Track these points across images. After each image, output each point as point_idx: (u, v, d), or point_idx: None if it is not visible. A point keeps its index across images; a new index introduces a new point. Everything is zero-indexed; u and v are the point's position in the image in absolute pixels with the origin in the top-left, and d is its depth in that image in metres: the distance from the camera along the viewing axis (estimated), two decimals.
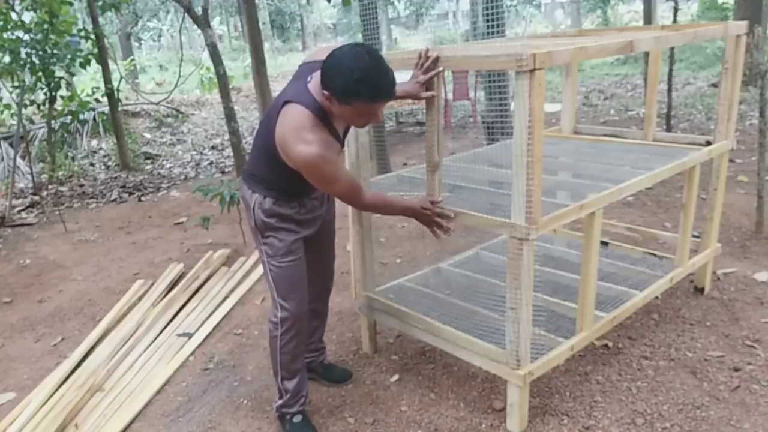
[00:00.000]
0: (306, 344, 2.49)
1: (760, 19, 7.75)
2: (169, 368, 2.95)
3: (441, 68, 2.14)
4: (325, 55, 1.90)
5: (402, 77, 2.20)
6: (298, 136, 1.88)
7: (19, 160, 6.93)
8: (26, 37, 6.30)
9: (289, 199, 2.15)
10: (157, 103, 10.10)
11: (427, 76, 2.14)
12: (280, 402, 2.40)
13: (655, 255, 3.17)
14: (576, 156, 3.08)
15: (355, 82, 1.81)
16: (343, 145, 2.11)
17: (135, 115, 10.23)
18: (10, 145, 7.18)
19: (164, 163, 7.96)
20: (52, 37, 6.34)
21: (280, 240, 2.16)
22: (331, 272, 2.58)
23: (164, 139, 9.28)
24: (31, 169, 6.81)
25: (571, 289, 2.85)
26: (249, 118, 10.46)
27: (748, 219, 4.03)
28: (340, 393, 2.64)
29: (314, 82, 1.95)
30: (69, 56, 6.60)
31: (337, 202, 2.33)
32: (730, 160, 4.92)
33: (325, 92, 1.88)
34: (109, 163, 7.93)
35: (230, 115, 5.88)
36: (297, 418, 2.39)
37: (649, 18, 9.15)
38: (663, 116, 6.25)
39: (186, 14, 5.89)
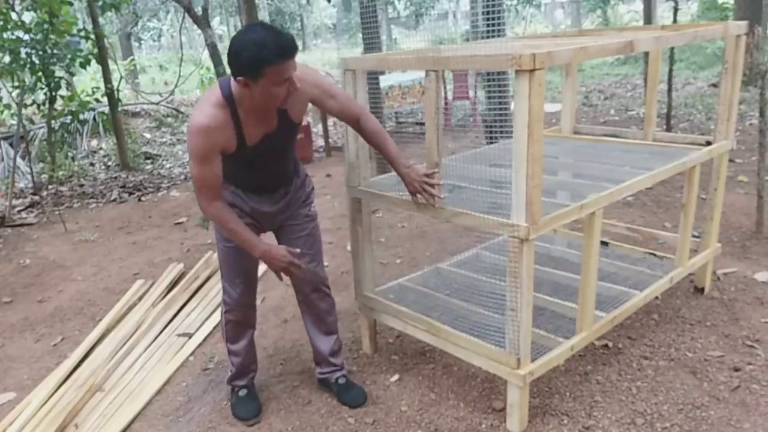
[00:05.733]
0: (316, 358, 2.63)
1: (760, 19, 7.75)
2: (169, 368, 2.94)
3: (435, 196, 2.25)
4: None
5: (401, 77, 2.22)
6: (198, 106, 2.01)
7: (19, 160, 6.93)
8: (26, 37, 6.29)
9: (230, 184, 2.22)
10: (157, 103, 10.10)
11: (422, 195, 2.25)
12: (228, 374, 2.60)
13: (655, 255, 3.17)
14: (576, 156, 3.08)
15: (258, 50, 1.86)
16: (246, 145, 2.09)
17: (135, 115, 10.22)
18: (10, 145, 7.18)
19: (164, 163, 7.96)
20: (52, 37, 6.33)
21: None
22: (313, 274, 2.44)
23: (164, 139, 9.28)
24: (31, 169, 6.81)
25: (571, 289, 2.85)
26: None
27: (748, 219, 4.03)
28: None
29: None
30: (69, 56, 6.60)
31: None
32: (730, 160, 4.92)
33: (239, 79, 1.93)
34: (109, 163, 7.93)
35: None
36: (242, 392, 2.57)
37: (649, 18, 9.16)
38: (663, 116, 6.25)
39: (186, 14, 5.89)
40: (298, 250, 2.21)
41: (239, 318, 2.47)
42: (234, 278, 2.36)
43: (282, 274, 2.21)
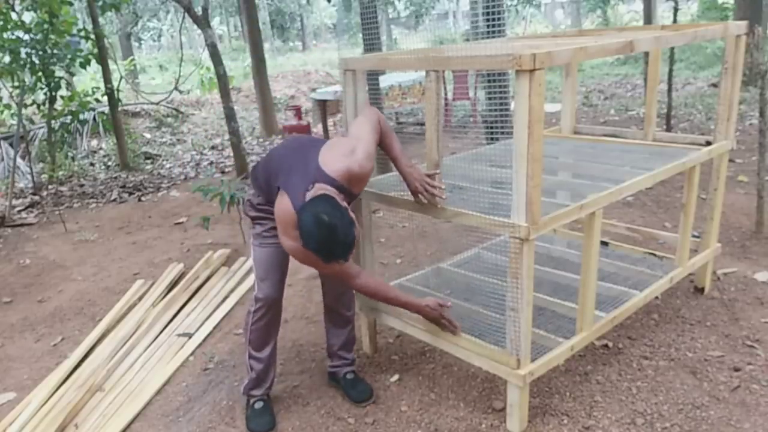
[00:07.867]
0: (329, 351, 2.71)
1: (760, 19, 7.75)
2: (169, 368, 2.95)
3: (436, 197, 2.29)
4: (336, 157, 2.15)
5: (400, 77, 2.22)
6: (285, 230, 2.16)
7: (19, 160, 6.93)
8: (26, 37, 6.30)
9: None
10: (157, 103, 10.11)
11: (423, 195, 2.30)
12: (245, 383, 2.55)
13: (655, 255, 3.17)
14: (576, 156, 3.08)
15: (313, 243, 2.00)
16: None
17: (135, 115, 10.23)
18: (10, 145, 7.18)
19: (164, 163, 7.95)
20: (52, 37, 6.34)
21: (262, 225, 2.40)
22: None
23: (164, 139, 9.28)
24: (31, 169, 6.81)
25: (571, 289, 2.85)
26: (249, 118, 10.45)
27: (748, 219, 4.03)
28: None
29: (310, 194, 2.09)
30: (69, 56, 6.60)
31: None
32: (730, 160, 4.92)
33: None
34: (109, 163, 7.93)
35: (230, 115, 5.88)
36: (258, 404, 2.52)
37: (649, 18, 9.16)
38: (663, 116, 6.25)
39: (186, 14, 5.89)
40: (449, 303, 2.42)
41: (269, 311, 2.45)
42: (268, 276, 2.42)
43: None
